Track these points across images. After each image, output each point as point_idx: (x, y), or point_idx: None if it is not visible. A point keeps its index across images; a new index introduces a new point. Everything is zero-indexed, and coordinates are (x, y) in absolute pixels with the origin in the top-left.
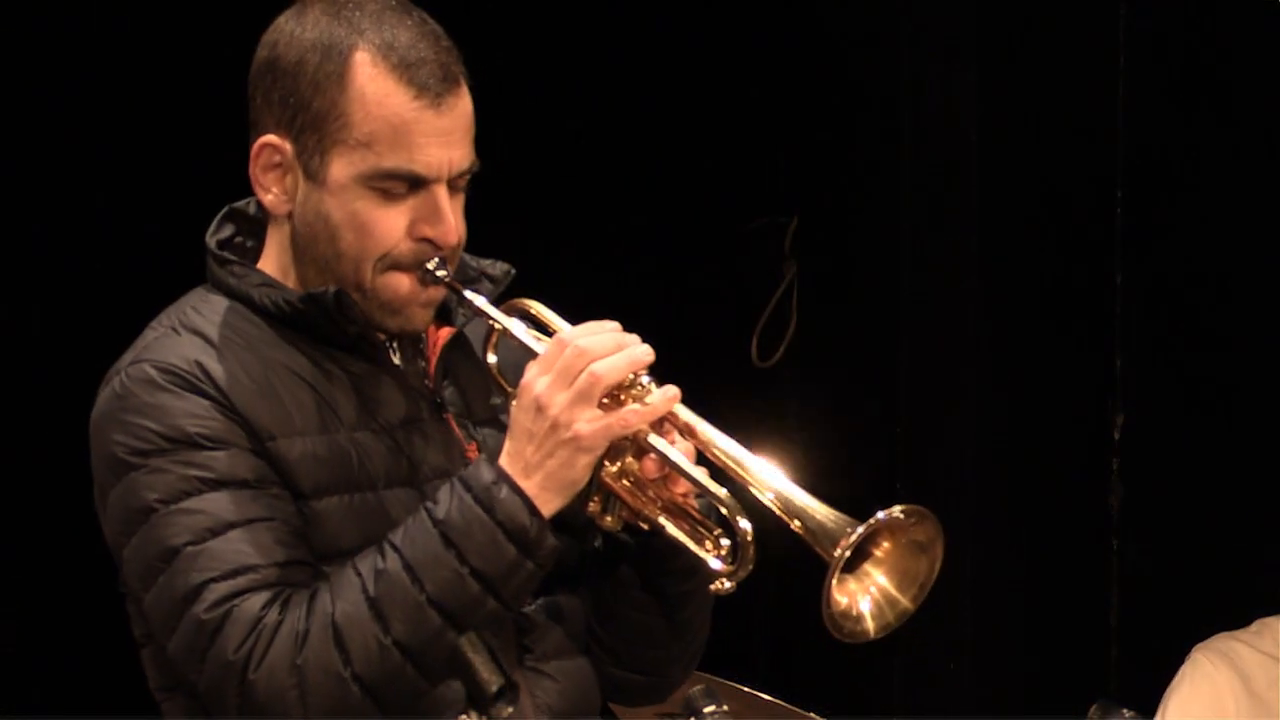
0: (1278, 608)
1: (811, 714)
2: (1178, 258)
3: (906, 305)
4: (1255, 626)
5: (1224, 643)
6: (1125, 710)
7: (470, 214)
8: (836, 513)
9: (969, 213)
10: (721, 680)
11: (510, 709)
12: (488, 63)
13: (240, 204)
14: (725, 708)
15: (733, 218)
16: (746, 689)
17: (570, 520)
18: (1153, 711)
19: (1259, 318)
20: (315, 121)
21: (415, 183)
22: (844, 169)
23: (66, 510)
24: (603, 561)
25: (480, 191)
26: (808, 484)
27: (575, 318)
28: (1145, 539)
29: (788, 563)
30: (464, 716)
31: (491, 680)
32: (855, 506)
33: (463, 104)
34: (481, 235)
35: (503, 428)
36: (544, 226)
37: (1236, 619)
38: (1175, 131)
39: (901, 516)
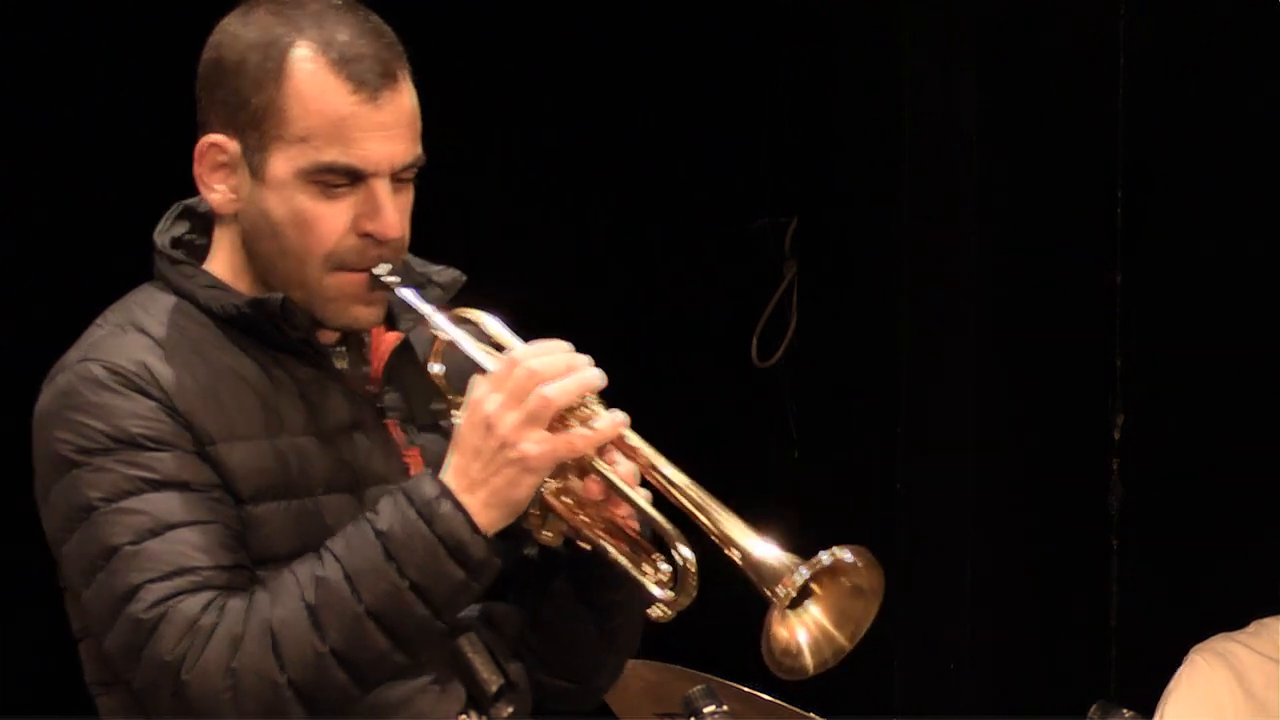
0: (1277, 608)
1: (811, 714)
2: (1178, 258)
3: (906, 305)
4: (1253, 627)
5: (1221, 644)
6: (1125, 710)
7: (470, 215)
8: (778, 550)
9: (969, 213)
10: (721, 680)
11: (510, 709)
12: (486, 64)
13: (192, 201)
14: (725, 708)
15: (733, 218)
16: (746, 689)
17: (506, 529)
18: (1152, 712)
19: (1258, 318)
20: (256, 118)
21: (355, 177)
22: (844, 169)
23: (4, 505)
24: (534, 569)
25: (478, 192)
26: (808, 483)
27: (579, 319)
28: (1145, 539)
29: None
30: (464, 716)
31: (491, 680)
32: (855, 506)
33: (402, 99)
34: (482, 233)
35: (444, 433)
36: (545, 227)
37: (1236, 619)
38: (1175, 131)
39: (849, 559)
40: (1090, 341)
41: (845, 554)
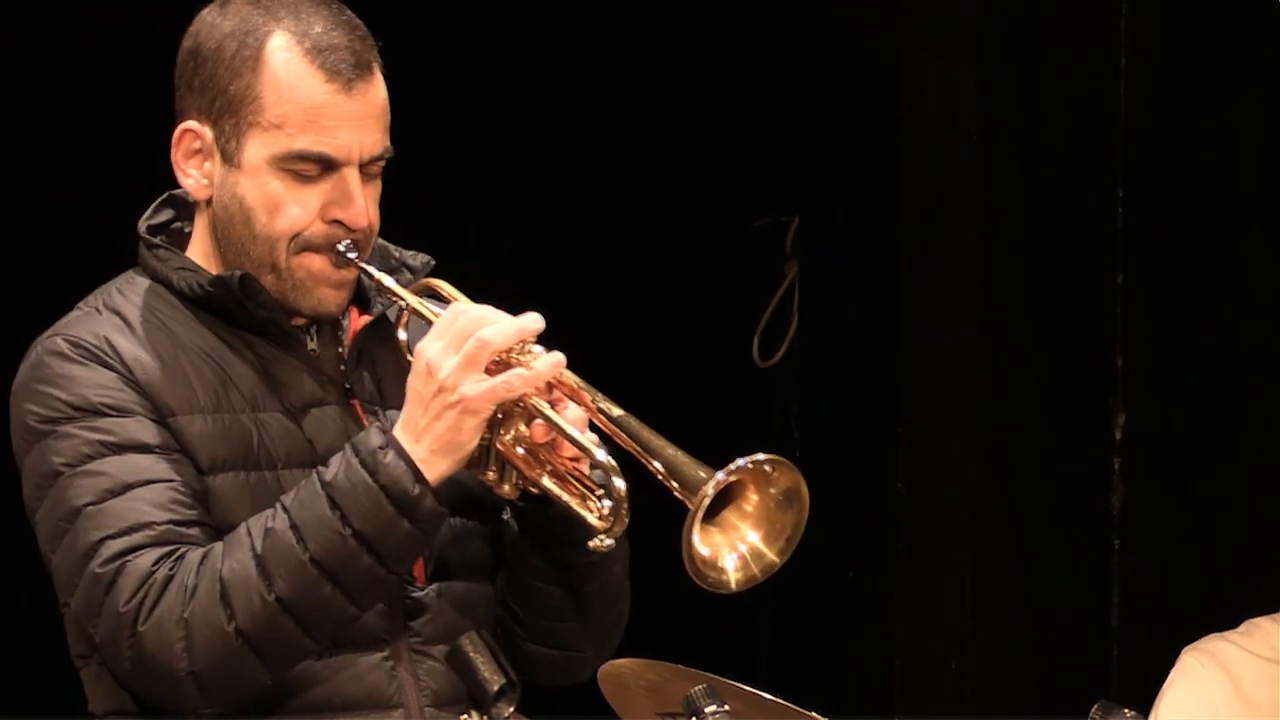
0: (1277, 608)
1: (813, 713)
2: (1179, 257)
3: (907, 305)
4: (1244, 627)
5: (1213, 644)
6: (1127, 710)
7: (470, 211)
8: (704, 466)
9: (969, 212)
10: (723, 679)
11: (511, 709)
12: (488, 61)
13: (180, 190)
14: (727, 707)
15: (734, 217)
16: (748, 688)
17: (480, 504)
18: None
19: (1260, 317)
20: (231, 105)
21: (326, 165)
22: (845, 169)
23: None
24: (510, 537)
25: (481, 189)
26: (809, 483)
27: (578, 316)
28: (1146, 539)
29: (788, 565)
30: (465, 716)
31: (493, 679)
32: (856, 506)
33: (375, 90)
34: (482, 232)
35: None
36: (545, 226)
37: (1236, 619)
38: (1176, 130)
39: (761, 465)
40: (1091, 341)
41: (757, 459)
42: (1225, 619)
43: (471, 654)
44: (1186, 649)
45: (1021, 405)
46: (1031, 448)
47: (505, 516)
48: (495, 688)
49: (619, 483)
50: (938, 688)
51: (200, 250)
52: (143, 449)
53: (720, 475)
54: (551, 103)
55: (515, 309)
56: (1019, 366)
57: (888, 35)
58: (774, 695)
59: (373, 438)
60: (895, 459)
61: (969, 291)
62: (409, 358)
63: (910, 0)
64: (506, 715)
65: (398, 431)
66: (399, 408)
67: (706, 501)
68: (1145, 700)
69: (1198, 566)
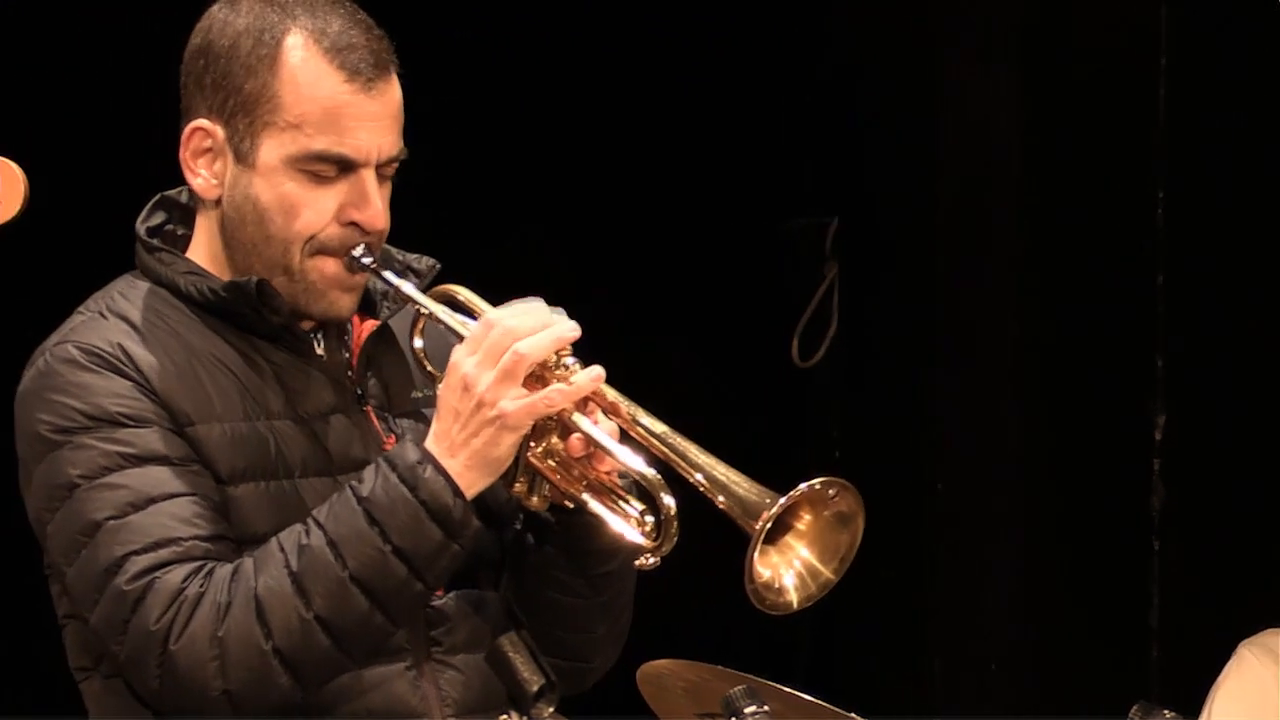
0: None
1: (852, 714)
2: (1219, 258)
3: (946, 305)
4: None
5: (1270, 638)
6: (1166, 711)
7: (505, 212)
8: (759, 487)
9: (1009, 213)
10: (762, 680)
11: (550, 709)
12: (523, 59)
13: (172, 192)
14: (766, 708)
15: (774, 218)
16: (787, 689)
17: (492, 510)
18: (1194, 712)
19: None
20: (246, 104)
21: (344, 166)
22: (885, 169)
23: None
24: (525, 545)
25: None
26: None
27: (620, 319)
28: (1186, 540)
29: None
30: (505, 716)
31: (532, 680)
32: (896, 506)
33: (393, 91)
34: (518, 234)
35: (424, 420)
36: (588, 226)
37: (1277, 620)
38: (1216, 131)
39: (820, 488)
40: (1132, 342)
41: (818, 483)
42: (1265, 619)
43: (511, 654)
44: (1243, 643)
45: (1061, 406)
46: (1071, 448)
47: (517, 525)
48: (535, 688)
49: (667, 499)
50: (976, 688)
51: (204, 253)
52: (163, 460)
53: (783, 500)
54: (592, 103)
55: (538, 298)
56: (1059, 367)
57: (926, 36)
58: (812, 696)
59: (409, 452)
60: (934, 459)
61: (1008, 292)
62: (426, 365)
63: (948, 0)
64: (546, 715)
65: (431, 445)
66: (406, 413)
67: (767, 527)
68: (1185, 701)
69: (1237, 567)
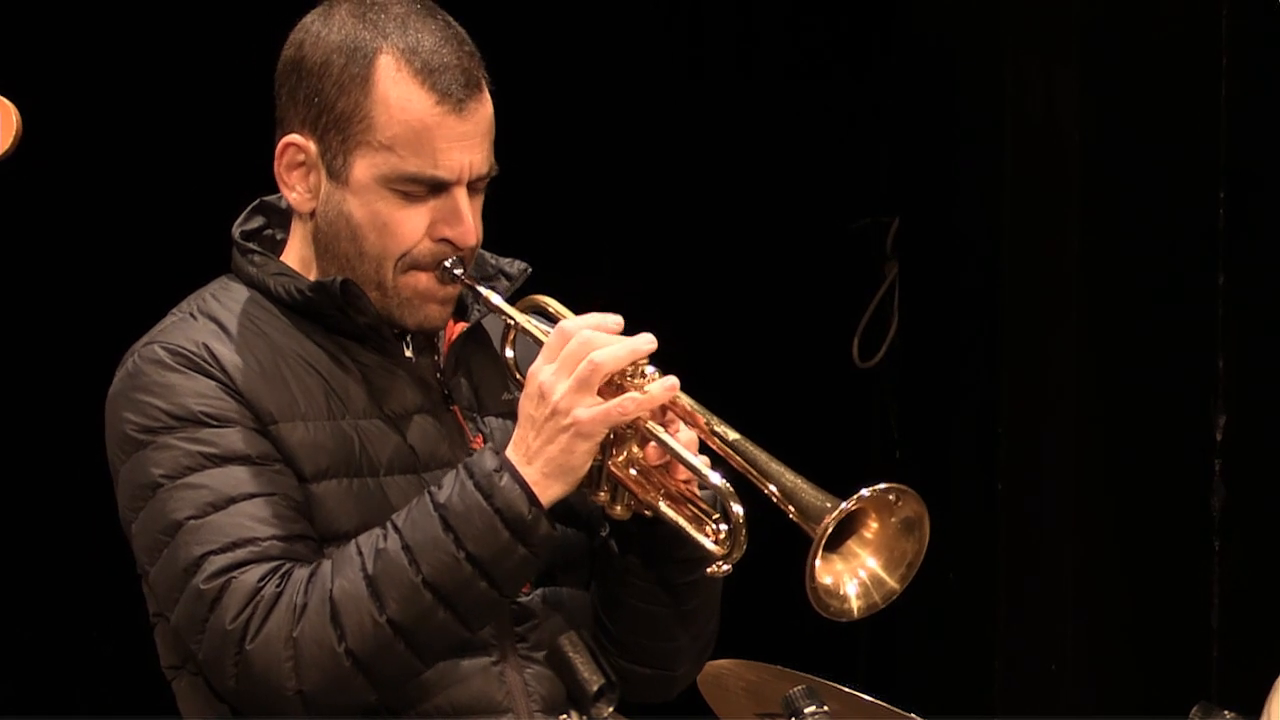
0: None
1: (912, 715)
2: None
3: (1007, 305)
4: None
5: None
6: (1226, 712)
7: (570, 220)
8: (823, 492)
9: (1071, 212)
10: (822, 680)
11: (610, 709)
12: (597, 64)
13: (271, 197)
14: (826, 708)
15: (835, 218)
16: (847, 689)
17: (580, 513)
18: (1254, 713)
19: None
20: (339, 122)
21: (436, 186)
22: (946, 169)
23: (88, 495)
24: (610, 553)
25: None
26: (910, 483)
27: (681, 319)
28: (1247, 540)
29: None
30: (565, 716)
31: (592, 680)
32: (957, 506)
33: (484, 109)
34: (583, 241)
35: (514, 420)
36: (650, 227)
37: None
38: (1277, 131)
39: (885, 494)
40: (1192, 342)
41: (880, 488)
42: None
43: (571, 654)
44: None
45: (1122, 406)
46: (1132, 449)
47: (603, 533)
48: (595, 688)
49: (737, 508)
50: (1037, 689)
51: (297, 257)
52: (244, 460)
53: (845, 504)
54: (659, 107)
55: (618, 311)
56: (1119, 367)
57: (989, 34)
58: (872, 696)
59: (487, 460)
60: (995, 459)
61: (1070, 292)
62: (517, 375)
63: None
64: (606, 715)
65: (510, 453)
66: (496, 414)
67: (829, 531)
68: (1245, 702)
69: None
